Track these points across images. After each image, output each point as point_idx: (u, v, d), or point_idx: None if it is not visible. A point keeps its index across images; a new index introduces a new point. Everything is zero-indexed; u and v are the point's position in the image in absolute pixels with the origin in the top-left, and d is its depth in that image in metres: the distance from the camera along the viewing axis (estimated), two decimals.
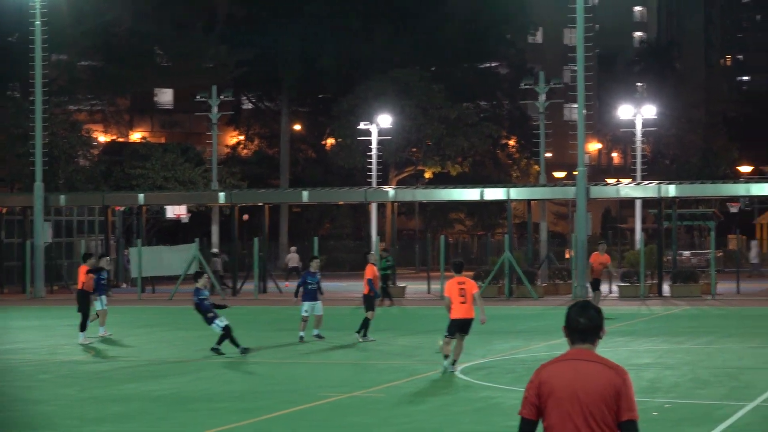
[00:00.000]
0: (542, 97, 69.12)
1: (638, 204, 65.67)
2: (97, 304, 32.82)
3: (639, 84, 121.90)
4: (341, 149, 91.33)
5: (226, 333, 27.93)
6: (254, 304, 51.65)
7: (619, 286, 54.24)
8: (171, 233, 76.84)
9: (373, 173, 73.62)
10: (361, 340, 30.89)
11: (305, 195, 63.22)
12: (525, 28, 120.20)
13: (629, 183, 66.96)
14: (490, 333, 34.32)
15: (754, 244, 77.65)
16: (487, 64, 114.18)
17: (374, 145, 75.14)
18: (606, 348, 29.60)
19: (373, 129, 75.80)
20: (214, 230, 65.22)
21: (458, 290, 23.80)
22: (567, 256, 67.67)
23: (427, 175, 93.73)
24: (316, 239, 58.35)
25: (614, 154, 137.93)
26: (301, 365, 27.21)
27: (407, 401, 20.49)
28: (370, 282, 31.30)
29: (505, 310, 45.66)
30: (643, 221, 68.26)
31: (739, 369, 24.82)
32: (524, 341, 31.55)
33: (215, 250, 60.52)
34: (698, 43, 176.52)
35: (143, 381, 24.00)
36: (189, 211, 73.84)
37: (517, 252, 57.24)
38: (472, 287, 24.11)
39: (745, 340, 31.69)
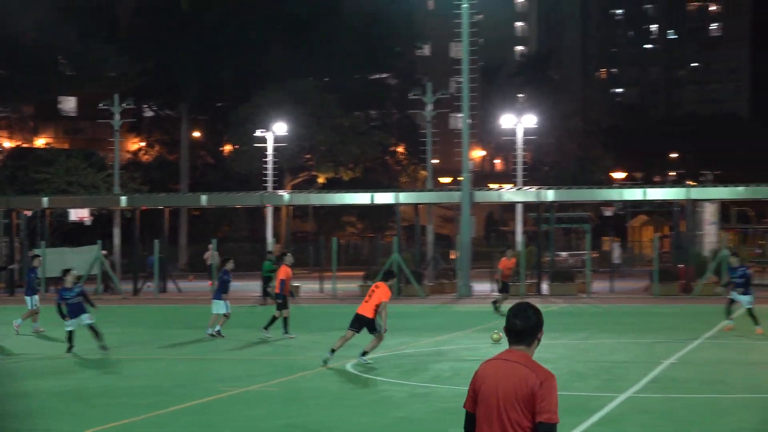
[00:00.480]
0: (429, 107, 69.22)
1: (519, 208, 65.85)
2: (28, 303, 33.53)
3: (520, 95, 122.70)
4: (239, 155, 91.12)
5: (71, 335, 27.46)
6: (155, 303, 51.06)
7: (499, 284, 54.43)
8: (74, 236, 75.89)
9: (269, 178, 73.29)
10: (269, 336, 30.59)
11: (204, 199, 62.75)
12: (414, 42, 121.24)
13: (511, 188, 67.29)
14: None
15: (615, 245, 78.40)
16: (378, 76, 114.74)
17: (270, 152, 74.85)
18: (487, 343, 29.47)
19: (269, 136, 75.54)
20: (116, 233, 64.61)
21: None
22: (452, 256, 67.82)
23: (321, 180, 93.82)
24: (214, 241, 58.01)
25: (497, 161, 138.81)
26: (200, 362, 26.85)
27: (300, 395, 20.18)
28: (282, 282, 31.03)
29: (393, 308, 45.38)
30: (524, 224, 68.47)
31: (612, 363, 24.92)
32: (412, 338, 31.34)
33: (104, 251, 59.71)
34: (575, 57, 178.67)
35: (45, 377, 23.38)
36: (92, 214, 73.06)
37: (406, 253, 57.16)
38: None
39: (617, 335, 31.90)
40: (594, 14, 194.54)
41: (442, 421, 17.17)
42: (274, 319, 30.90)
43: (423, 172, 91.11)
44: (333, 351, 24.40)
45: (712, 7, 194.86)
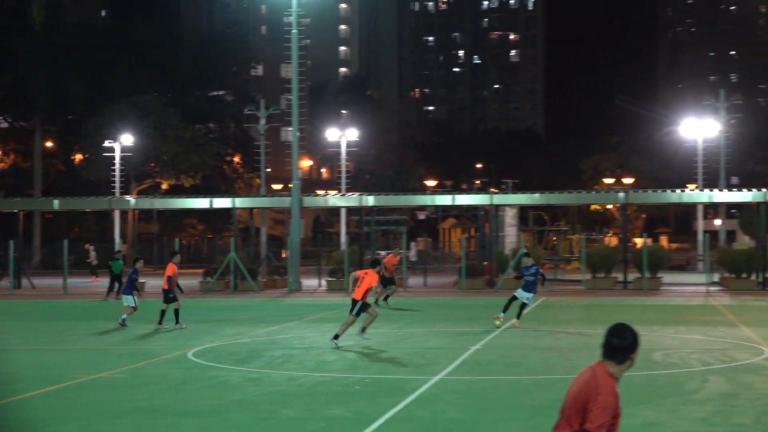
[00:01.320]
0: (263, 121, 69.16)
1: (343, 212, 66.23)
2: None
3: (344, 111, 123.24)
4: (88, 164, 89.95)
5: None
6: (10, 298, 49.77)
7: (327, 281, 54.47)
8: None
9: (117, 184, 72.64)
10: (169, 327, 30.11)
11: (56, 203, 61.47)
12: (248, 62, 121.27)
13: (336, 194, 67.45)
14: (218, 321, 33.91)
15: (413, 245, 79.37)
16: (216, 92, 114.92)
17: (117, 160, 74.20)
18: (315, 332, 29.54)
19: (117, 146, 75.07)
20: None
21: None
22: (284, 255, 67.62)
23: (164, 186, 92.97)
24: (66, 242, 56.87)
25: (323, 170, 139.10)
26: (53, 351, 26.22)
27: (146, 381, 19.90)
28: (169, 278, 30.60)
29: (230, 301, 45.22)
30: (347, 226, 68.78)
31: (426, 349, 25.06)
32: (247, 328, 31.19)
33: None
34: (392, 78, 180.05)
35: None
36: None
37: (241, 252, 56.76)
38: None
39: (430, 324, 32.18)
40: (408, 41, 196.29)
41: (274, 403, 17.11)
42: (162, 312, 30.45)
43: (257, 180, 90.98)
44: (337, 336, 25.01)
45: (512, 36, 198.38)
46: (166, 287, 30.74)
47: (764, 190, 53.67)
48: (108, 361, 23.19)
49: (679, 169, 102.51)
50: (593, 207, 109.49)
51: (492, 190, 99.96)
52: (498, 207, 59.24)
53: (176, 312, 30.59)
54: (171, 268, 31.04)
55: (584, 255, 53.86)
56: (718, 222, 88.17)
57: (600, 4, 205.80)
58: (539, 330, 29.19)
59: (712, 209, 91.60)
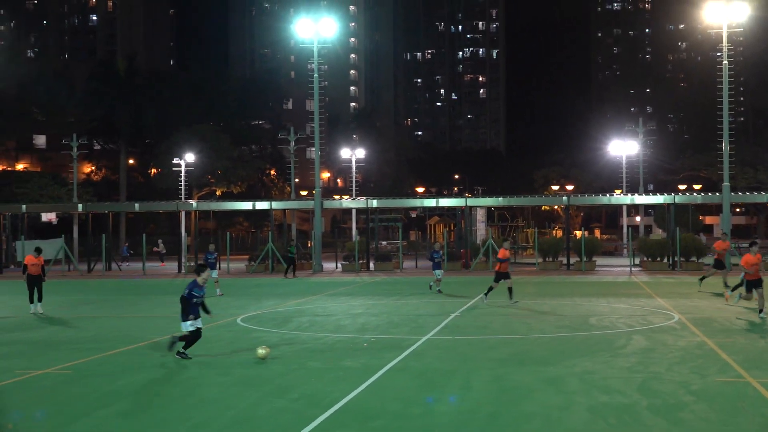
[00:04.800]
0: (292, 143, 68.93)
1: (354, 212, 65.98)
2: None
3: (354, 135, 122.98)
4: (161, 176, 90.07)
5: (193, 338, 16.73)
6: (103, 278, 49.63)
7: (342, 264, 54.42)
8: (45, 231, 74.66)
9: (182, 192, 72.68)
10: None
11: (137, 206, 61.28)
12: (281, 99, 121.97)
13: (348, 198, 67.33)
14: (260, 295, 33.81)
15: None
16: (257, 122, 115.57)
17: (183, 174, 74.18)
18: (333, 303, 29.45)
19: (182, 163, 75.02)
20: (75, 230, 63.76)
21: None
22: (309, 245, 67.56)
23: (218, 192, 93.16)
24: (144, 236, 57.02)
25: (339, 180, 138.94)
26: (135, 319, 26.07)
27: (204, 341, 19.77)
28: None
29: (268, 280, 45.09)
30: (357, 223, 68.60)
31: (417, 315, 24.98)
32: (281, 300, 31.10)
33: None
34: (390, 111, 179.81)
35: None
36: (57, 216, 72.31)
37: (277, 243, 56.74)
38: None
39: (420, 297, 32.07)
40: (402, 82, 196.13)
41: (303, 357, 17.05)
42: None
43: (288, 188, 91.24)
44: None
45: (481, 79, 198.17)
46: None
47: (672, 194, 54.06)
48: (174, 326, 23.09)
49: (608, 178, 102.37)
50: (543, 207, 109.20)
51: (466, 195, 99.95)
52: (471, 208, 59.22)
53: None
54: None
55: (537, 244, 53.84)
56: (638, 218, 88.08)
57: (547, 55, 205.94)
58: (502, 301, 29.14)
59: (633, 209, 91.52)
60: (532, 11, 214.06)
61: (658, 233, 76.36)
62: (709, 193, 59.36)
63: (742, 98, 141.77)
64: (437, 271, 33.03)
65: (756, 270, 22.84)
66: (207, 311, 16.90)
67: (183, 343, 16.64)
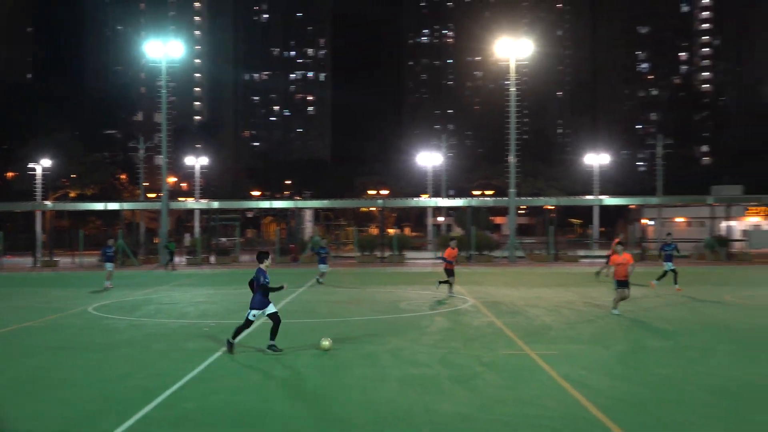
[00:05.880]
0: (142, 152, 66.69)
1: (197, 212, 64.57)
2: None
3: (198, 145, 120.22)
4: (18, 179, 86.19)
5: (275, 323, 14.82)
6: None
7: (186, 258, 53.13)
8: None
9: (39, 193, 69.01)
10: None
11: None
12: (132, 111, 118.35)
13: (192, 200, 65.85)
14: (111, 286, 32.55)
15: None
16: (110, 131, 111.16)
17: (39, 177, 70.51)
18: (178, 293, 28.70)
19: (38, 167, 71.43)
20: None
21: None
22: (156, 241, 65.66)
23: (72, 194, 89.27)
24: (2, 233, 53.79)
25: (184, 184, 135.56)
26: None
27: (57, 328, 18.86)
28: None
29: (119, 273, 43.33)
30: (201, 222, 67.20)
31: (243, 303, 24.67)
32: (131, 291, 30.02)
33: None
34: (231, 123, 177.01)
35: None
36: None
37: (128, 239, 54.84)
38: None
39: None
40: (241, 99, 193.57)
41: (149, 340, 16.55)
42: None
43: (138, 191, 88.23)
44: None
45: (309, 98, 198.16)
46: None
47: (469, 198, 55.71)
48: (32, 315, 21.93)
49: (417, 184, 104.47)
50: (362, 209, 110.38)
51: (296, 198, 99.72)
52: (300, 209, 59.07)
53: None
54: None
55: (357, 240, 54.29)
56: (441, 219, 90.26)
57: (368, 78, 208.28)
58: (330, 289, 29.23)
59: (438, 210, 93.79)
60: (356, 41, 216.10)
61: (458, 231, 78.58)
62: (499, 198, 61.57)
63: (526, 120, 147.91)
64: (322, 266, 32.32)
65: (623, 270, 20.31)
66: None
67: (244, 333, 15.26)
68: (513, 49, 51.09)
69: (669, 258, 27.98)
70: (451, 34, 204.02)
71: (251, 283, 14.62)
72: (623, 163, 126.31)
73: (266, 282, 14.51)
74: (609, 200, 59.07)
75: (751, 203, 62.71)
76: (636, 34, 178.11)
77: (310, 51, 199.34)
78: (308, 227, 65.74)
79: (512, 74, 50.89)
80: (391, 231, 70.29)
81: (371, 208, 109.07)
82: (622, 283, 20.38)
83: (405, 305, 23.35)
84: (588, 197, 63.29)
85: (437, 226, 75.88)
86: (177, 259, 53.30)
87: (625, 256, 20.37)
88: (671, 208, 70.71)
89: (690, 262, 49.37)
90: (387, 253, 52.49)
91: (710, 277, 34.81)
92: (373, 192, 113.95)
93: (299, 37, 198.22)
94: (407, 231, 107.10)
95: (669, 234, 29.87)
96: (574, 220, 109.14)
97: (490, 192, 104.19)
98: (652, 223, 73.07)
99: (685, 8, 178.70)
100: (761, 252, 57.85)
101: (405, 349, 15.04)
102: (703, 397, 10.91)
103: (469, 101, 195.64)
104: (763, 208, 63.94)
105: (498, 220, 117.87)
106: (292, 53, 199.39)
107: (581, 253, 55.09)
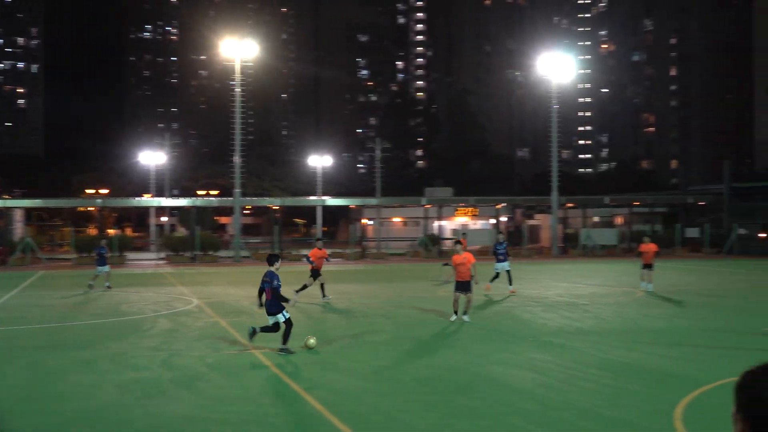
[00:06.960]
0: None
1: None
2: None
3: None
4: None
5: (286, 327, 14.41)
6: None
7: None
8: None
9: None
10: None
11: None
12: None
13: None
14: None
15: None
16: None
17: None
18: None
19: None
20: None
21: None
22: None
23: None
24: None
25: None
26: None
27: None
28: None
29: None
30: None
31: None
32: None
33: None
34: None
35: None
36: None
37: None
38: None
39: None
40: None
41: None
42: None
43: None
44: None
45: (20, 90, 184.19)
46: None
47: (194, 198, 55.05)
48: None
49: (139, 183, 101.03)
50: (80, 208, 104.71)
51: (5, 197, 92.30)
52: (9, 209, 54.78)
53: None
54: None
55: (74, 241, 51.52)
56: (164, 219, 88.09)
57: (87, 72, 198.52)
58: (43, 293, 27.39)
59: (161, 210, 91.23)
60: (72, 32, 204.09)
61: (182, 231, 77.08)
62: (224, 198, 61.34)
63: (251, 120, 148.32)
64: (100, 267, 29.33)
65: (465, 270, 18.55)
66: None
67: (258, 331, 14.72)
68: (238, 49, 51.03)
69: (502, 258, 26.38)
70: (175, 31, 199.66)
71: (261, 291, 14.38)
72: (345, 164, 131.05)
73: (278, 286, 14.26)
74: (331, 201, 61.01)
75: (460, 204, 67.55)
76: (356, 41, 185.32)
77: (20, 40, 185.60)
78: (19, 227, 61.11)
79: (237, 74, 50.84)
80: (112, 231, 67.42)
81: (90, 208, 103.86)
82: (463, 285, 18.49)
83: (126, 307, 22.57)
84: (312, 198, 64.80)
85: (160, 226, 73.96)
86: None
87: (465, 255, 18.57)
88: (389, 209, 74.27)
89: (407, 259, 52.20)
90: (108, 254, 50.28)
91: (428, 274, 36.99)
92: (92, 191, 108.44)
93: (8, 24, 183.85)
94: (129, 231, 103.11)
95: (500, 233, 30.08)
96: (298, 220, 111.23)
97: (216, 192, 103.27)
98: (371, 222, 76.29)
99: (401, 20, 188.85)
100: (473, 248, 62.38)
101: (125, 353, 14.50)
102: (414, 386, 11.54)
103: (195, 100, 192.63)
104: (470, 209, 69.11)
105: (223, 220, 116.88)
106: (0, 41, 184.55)
107: (304, 252, 56.36)
